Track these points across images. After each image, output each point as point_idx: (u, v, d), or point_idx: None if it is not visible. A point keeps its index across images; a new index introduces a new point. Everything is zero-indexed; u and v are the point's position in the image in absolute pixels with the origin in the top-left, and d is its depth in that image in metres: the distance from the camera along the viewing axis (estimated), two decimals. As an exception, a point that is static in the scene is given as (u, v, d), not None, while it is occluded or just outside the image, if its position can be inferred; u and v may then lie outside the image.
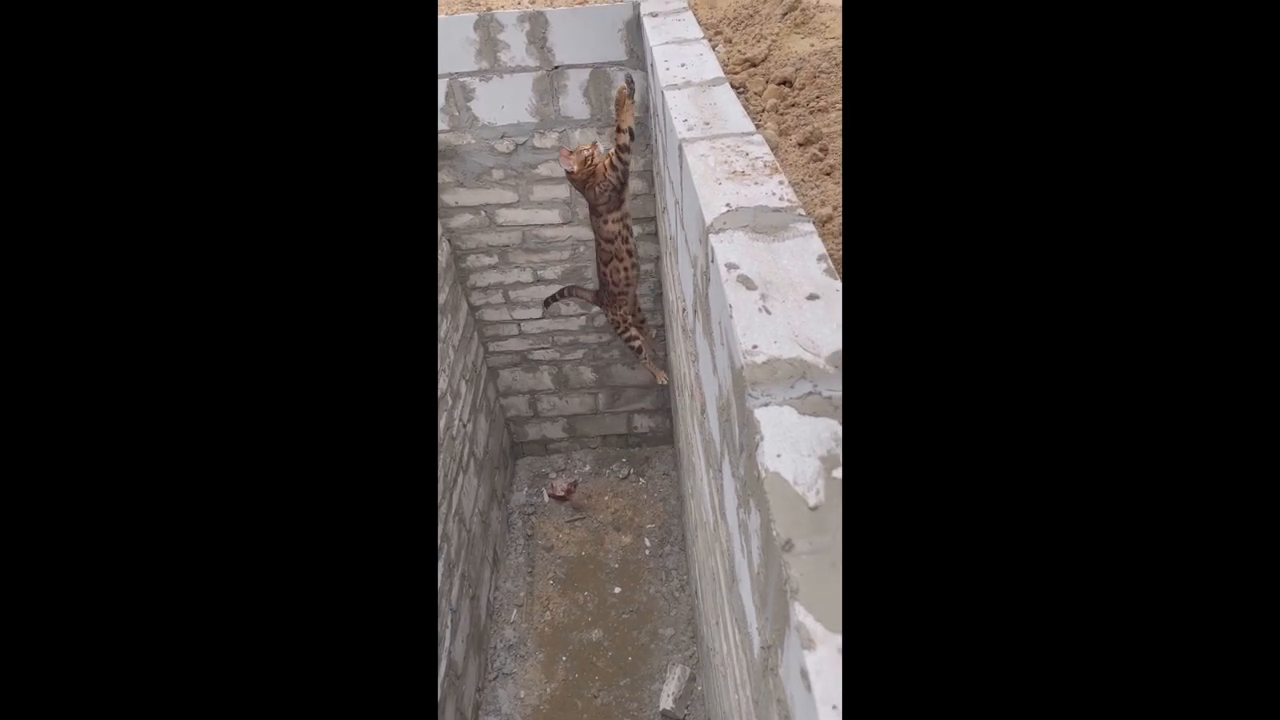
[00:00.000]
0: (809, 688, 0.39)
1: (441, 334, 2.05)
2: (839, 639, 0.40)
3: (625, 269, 1.88)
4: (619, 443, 2.87)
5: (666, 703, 2.02)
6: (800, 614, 0.41)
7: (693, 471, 1.52)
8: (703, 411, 1.06)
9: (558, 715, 2.07)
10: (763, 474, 0.50)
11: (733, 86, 1.19)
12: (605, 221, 1.77)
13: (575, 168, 1.69)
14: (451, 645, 1.87)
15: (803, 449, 0.51)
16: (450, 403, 2.07)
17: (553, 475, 2.80)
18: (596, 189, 1.72)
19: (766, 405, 0.55)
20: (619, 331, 2.06)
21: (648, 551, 2.49)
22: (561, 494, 2.67)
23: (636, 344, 2.07)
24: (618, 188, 1.71)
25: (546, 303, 2.22)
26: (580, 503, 2.67)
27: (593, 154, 1.70)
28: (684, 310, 1.25)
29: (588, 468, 2.83)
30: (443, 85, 1.94)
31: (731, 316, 0.64)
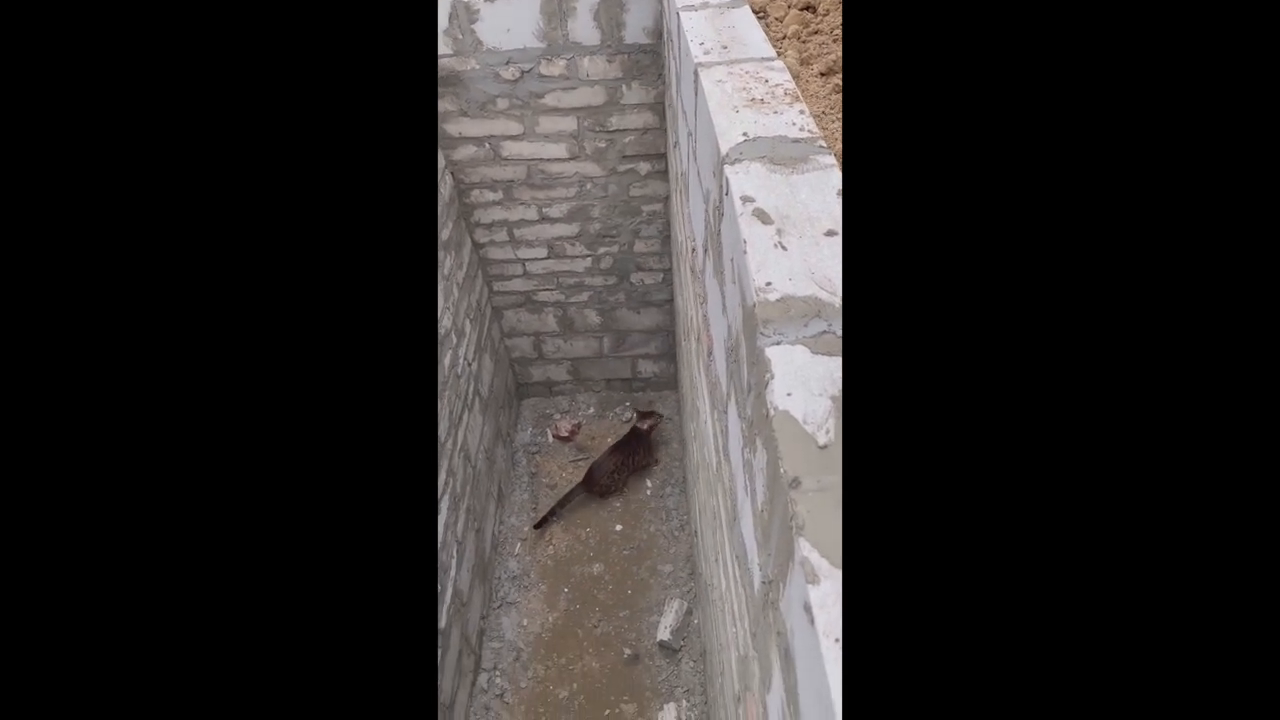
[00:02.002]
0: (812, 621, 0.39)
1: (445, 271, 2.02)
2: (842, 574, 0.39)
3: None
4: (623, 387, 2.88)
5: (664, 634, 2.11)
6: (805, 549, 0.41)
7: (696, 415, 1.52)
8: (709, 354, 1.04)
9: (559, 643, 2.16)
10: (772, 412, 0.49)
11: (752, 10, 1.12)
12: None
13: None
14: (457, 575, 1.94)
15: (814, 388, 0.50)
16: (455, 341, 2.06)
17: (557, 416, 2.83)
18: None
19: (779, 344, 0.54)
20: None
21: (649, 492, 2.54)
22: (565, 435, 2.70)
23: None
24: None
25: (537, 525, 2.45)
26: (584, 444, 2.70)
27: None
28: (693, 250, 1.22)
29: (591, 410, 2.85)
30: (445, 5, 1.83)
31: (745, 252, 0.61)
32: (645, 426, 2.53)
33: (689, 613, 2.16)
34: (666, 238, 2.34)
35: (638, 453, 2.49)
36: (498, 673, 2.10)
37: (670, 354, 2.74)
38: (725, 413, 0.87)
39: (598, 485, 2.45)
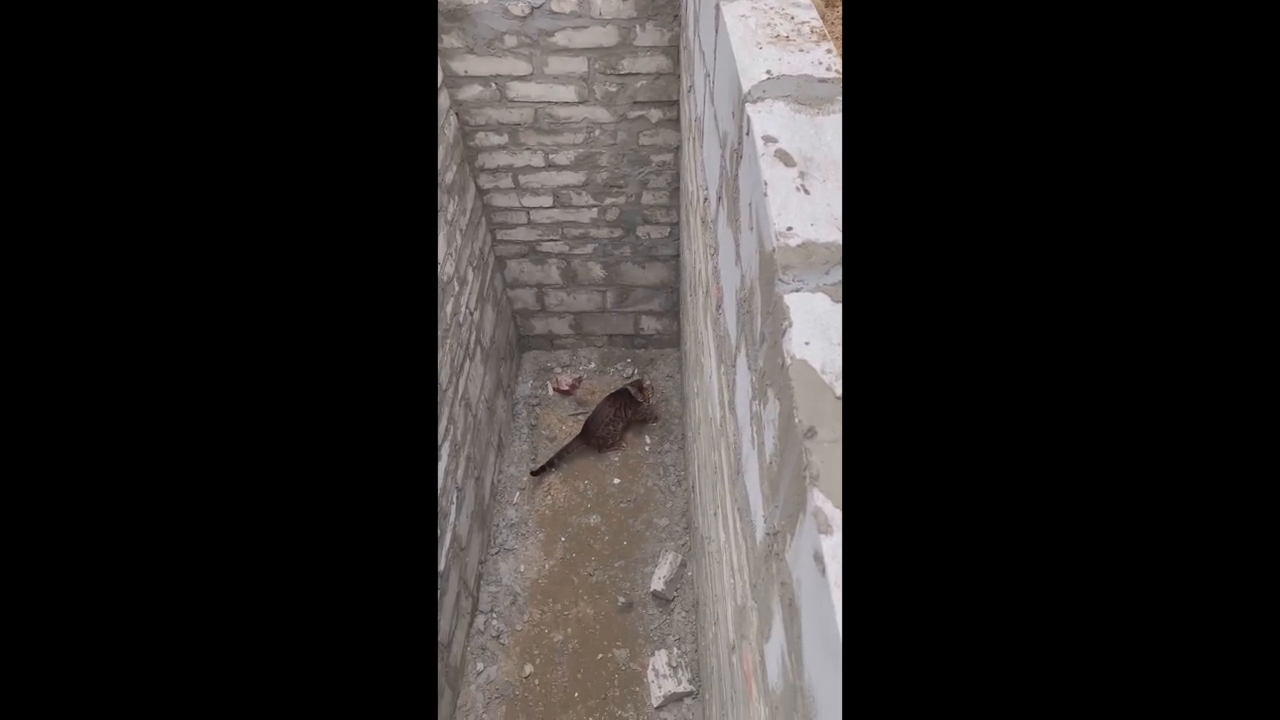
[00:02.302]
0: (823, 571, 0.38)
1: (449, 216, 1.98)
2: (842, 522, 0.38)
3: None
4: (625, 343, 2.86)
5: (657, 584, 2.15)
6: (819, 500, 0.40)
7: (700, 371, 1.51)
8: (718, 307, 1.02)
9: (555, 589, 2.21)
10: (788, 361, 0.48)
11: (780, -60, 1.05)
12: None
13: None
14: (456, 520, 1.97)
15: (833, 337, 0.48)
16: (457, 289, 2.03)
17: (558, 370, 2.82)
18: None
19: (798, 291, 0.51)
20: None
21: (648, 448, 2.55)
22: (566, 388, 2.70)
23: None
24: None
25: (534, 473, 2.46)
26: (584, 398, 2.71)
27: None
28: (705, 200, 1.18)
29: (593, 365, 2.84)
30: (451, -69, 1.73)
31: (766, 195, 0.58)
32: (636, 390, 2.51)
33: (683, 565, 2.21)
34: (675, 190, 2.28)
35: (633, 404, 2.48)
36: (494, 615, 2.15)
37: (674, 311, 2.71)
38: (733, 366, 0.85)
39: (595, 437, 2.47)
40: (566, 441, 2.50)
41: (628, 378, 2.76)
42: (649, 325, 2.78)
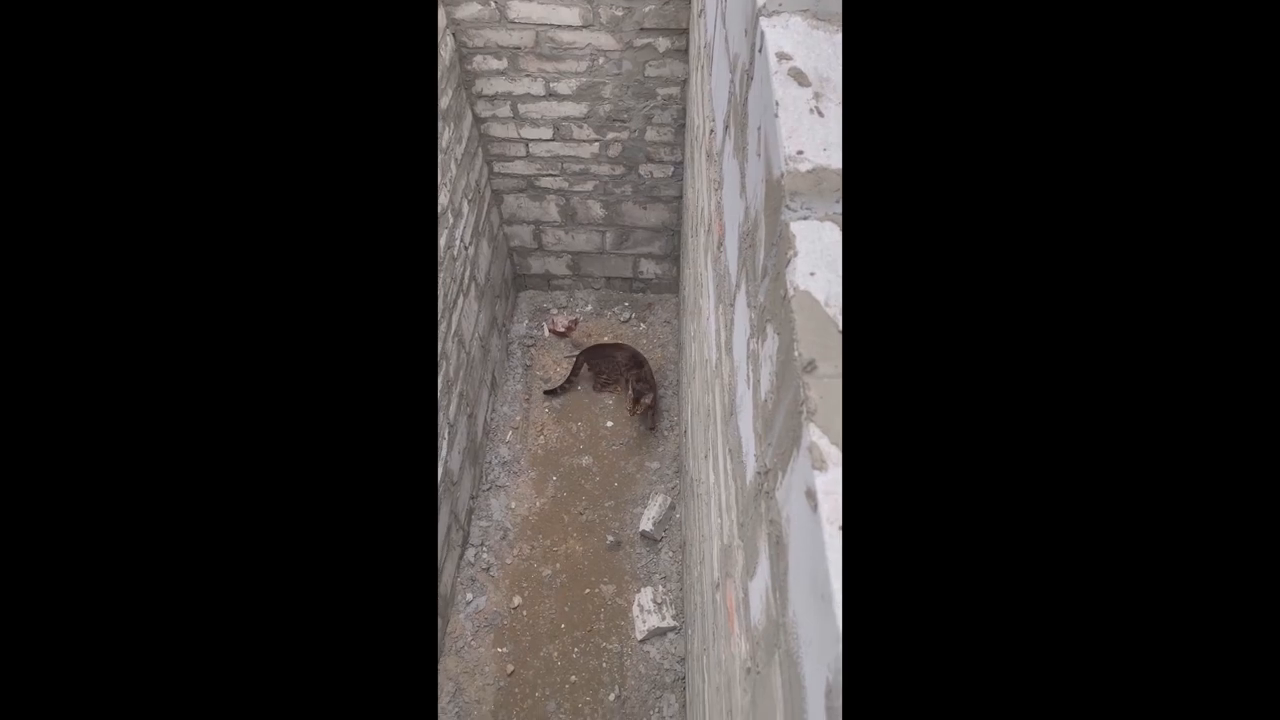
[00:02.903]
0: (815, 508, 0.37)
1: (444, 144, 1.90)
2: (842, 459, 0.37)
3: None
4: (623, 286, 2.82)
5: (646, 525, 2.19)
6: (814, 435, 0.38)
7: (698, 313, 1.48)
8: (719, 245, 0.98)
9: (545, 526, 2.25)
10: (791, 292, 0.45)
11: None
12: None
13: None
14: (448, 455, 1.98)
15: (839, 269, 0.45)
16: (451, 221, 1.97)
17: (554, 311, 2.79)
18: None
19: (806, 219, 0.48)
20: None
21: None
22: (562, 330, 2.67)
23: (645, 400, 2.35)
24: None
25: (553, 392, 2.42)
26: (580, 340, 2.68)
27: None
28: (711, 132, 1.13)
29: (589, 307, 2.81)
30: None
31: (777, 116, 0.54)
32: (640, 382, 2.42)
33: (671, 507, 2.24)
34: (681, 127, 2.19)
35: (641, 380, 2.41)
36: (485, 549, 2.20)
37: (674, 255, 2.65)
38: (732, 305, 0.83)
39: (602, 373, 2.47)
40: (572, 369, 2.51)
41: (625, 321, 2.73)
42: (648, 269, 2.73)
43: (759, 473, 0.59)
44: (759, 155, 0.63)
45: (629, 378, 2.40)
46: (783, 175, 0.50)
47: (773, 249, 0.54)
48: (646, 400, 2.34)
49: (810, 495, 0.38)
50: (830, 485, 0.36)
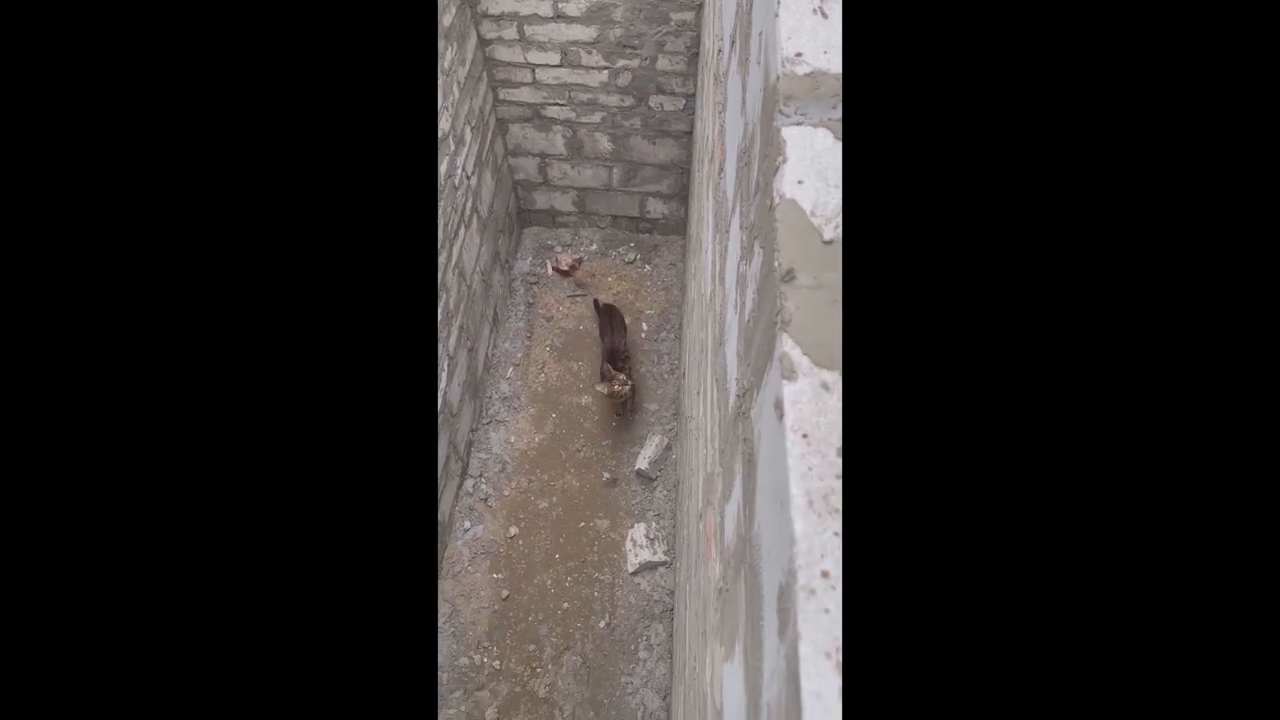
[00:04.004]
0: (780, 417, 0.36)
1: (446, 65, 1.82)
2: (823, 374, 0.35)
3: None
4: (629, 225, 2.76)
5: (642, 464, 2.22)
6: (786, 345, 0.37)
7: (699, 249, 1.45)
8: (720, 171, 0.95)
9: (543, 461, 2.29)
10: (777, 200, 0.43)
11: None
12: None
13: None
14: (448, 387, 1.99)
15: (830, 178, 0.43)
16: (453, 147, 1.91)
17: (558, 249, 2.74)
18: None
19: (799, 124, 0.45)
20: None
21: (644, 334, 2.54)
22: (565, 269, 2.63)
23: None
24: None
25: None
26: (583, 280, 2.65)
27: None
28: (720, 51, 1.07)
29: (594, 247, 2.76)
30: None
31: (778, 15, 0.50)
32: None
33: (668, 448, 2.26)
34: (694, 56, 2.08)
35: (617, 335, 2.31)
36: (483, 480, 2.24)
37: (682, 195, 2.58)
38: (727, 232, 0.80)
39: (608, 339, 2.34)
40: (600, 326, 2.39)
41: (630, 262, 2.68)
42: (655, 209, 2.67)
43: (739, 395, 0.58)
44: (759, 63, 0.59)
45: (608, 370, 2.23)
46: (779, 79, 0.47)
47: (765, 160, 0.52)
48: (623, 390, 2.19)
49: (778, 405, 0.37)
50: (797, 395, 0.35)
